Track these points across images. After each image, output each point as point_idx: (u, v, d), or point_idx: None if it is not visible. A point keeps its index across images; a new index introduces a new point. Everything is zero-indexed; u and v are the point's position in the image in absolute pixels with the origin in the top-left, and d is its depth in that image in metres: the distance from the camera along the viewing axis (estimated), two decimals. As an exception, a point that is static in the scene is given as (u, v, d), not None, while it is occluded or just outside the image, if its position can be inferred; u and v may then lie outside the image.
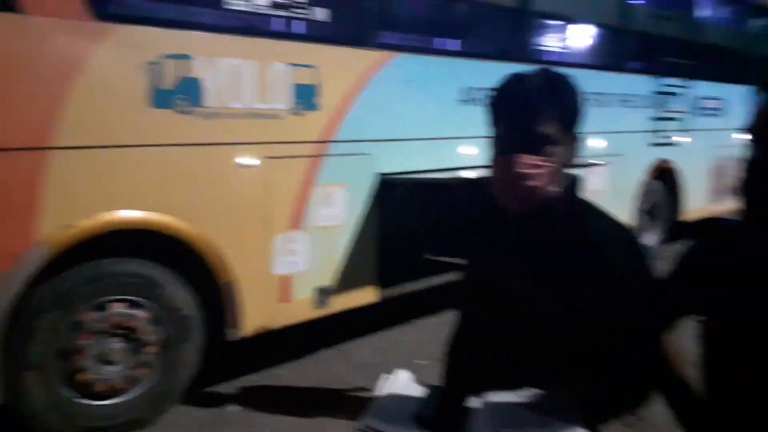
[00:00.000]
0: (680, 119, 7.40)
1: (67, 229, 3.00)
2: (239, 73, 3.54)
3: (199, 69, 3.39)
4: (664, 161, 7.33)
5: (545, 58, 6.45)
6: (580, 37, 6.86)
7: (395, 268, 4.69)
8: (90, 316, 3.18)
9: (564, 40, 6.94)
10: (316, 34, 4.12)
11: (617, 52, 6.69)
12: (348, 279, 4.31)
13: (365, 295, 4.49)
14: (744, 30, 8.82)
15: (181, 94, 3.32)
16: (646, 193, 7.20)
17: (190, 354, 3.58)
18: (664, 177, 7.45)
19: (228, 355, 4.24)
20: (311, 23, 3.99)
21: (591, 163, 5.86)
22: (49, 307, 3.04)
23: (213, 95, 3.45)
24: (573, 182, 1.35)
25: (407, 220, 4.77)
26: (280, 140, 3.79)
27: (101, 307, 3.22)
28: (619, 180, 6.65)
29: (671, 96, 7.22)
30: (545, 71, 1.33)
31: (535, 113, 1.25)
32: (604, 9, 6.57)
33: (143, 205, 3.27)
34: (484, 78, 4.90)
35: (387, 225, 4.53)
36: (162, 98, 3.27)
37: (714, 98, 7.97)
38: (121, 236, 3.24)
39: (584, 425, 1.16)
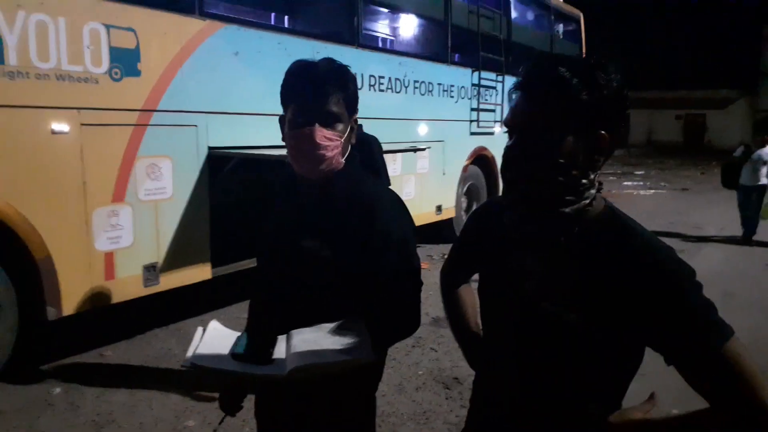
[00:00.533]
0: (495, 111, 8.11)
1: None
2: (45, 30, 3.30)
3: (-4, 22, 3.11)
4: (482, 148, 8.00)
5: (375, 44, 6.75)
6: (408, 27, 7.26)
7: (229, 245, 4.64)
8: None
9: (393, 29, 7.30)
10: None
11: (441, 44, 7.14)
12: (178, 256, 4.20)
13: (198, 273, 4.40)
14: (549, 33, 9.88)
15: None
16: (467, 176, 7.83)
17: (3, 335, 3.30)
18: (482, 163, 8.14)
19: (53, 336, 4.01)
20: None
21: (415, 148, 6.28)
22: None
23: (16, 52, 3.18)
24: (352, 156, 1.58)
25: (240, 195, 4.74)
26: (96, 106, 3.58)
27: None
28: (443, 163, 7.18)
29: (488, 89, 7.89)
30: (331, 60, 1.53)
31: (326, 95, 1.44)
32: (431, 2, 7.00)
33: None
34: (315, 58, 5.02)
35: (219, 200, 4.48)
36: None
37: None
38: None
39: (372, 350, 1.36)
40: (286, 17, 5.68)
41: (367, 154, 3.77)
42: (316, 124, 1.42)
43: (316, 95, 1.44)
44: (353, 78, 1.53)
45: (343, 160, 1.50)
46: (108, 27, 3.58)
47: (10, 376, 3.54)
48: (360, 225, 1.43)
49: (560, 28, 10.64)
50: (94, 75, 3.53)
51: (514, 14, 8.75)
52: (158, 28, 3.90)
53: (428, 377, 3.92)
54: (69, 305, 3.56)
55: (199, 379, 3.45)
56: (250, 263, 4.86)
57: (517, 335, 1.24)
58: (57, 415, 3.29)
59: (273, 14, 5.55)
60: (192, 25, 4.11)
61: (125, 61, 3.69)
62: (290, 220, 1.54)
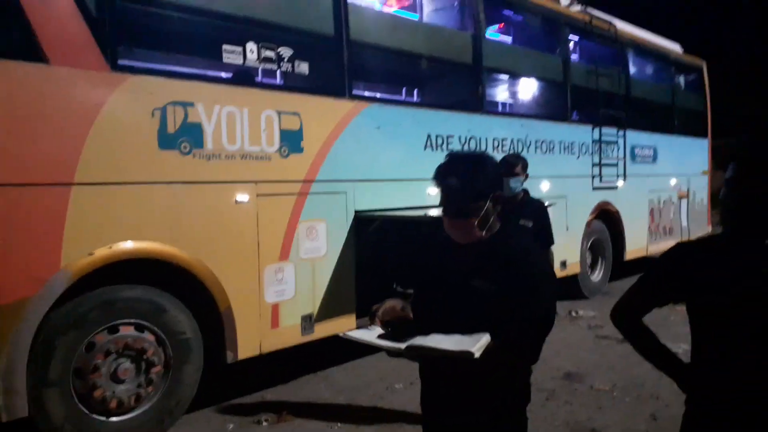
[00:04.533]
0: (617, 165, 8.13)
1: (87, 256, 3.34)
2: (233, 119, 4.01)
3: (199, 114, 3.83)
4: (606, 203, 8.05)
5: (497, 109, 7.14)
6: (528, 90, 7.61)
7: (371, 298, 5.06)
8: (103, 338, 3.48)
9: (514, 93, 7.67)
10: (300, 85, 4.65)
11: (560, 104, 7.42)
12: (329, 307, 4.70)
13: (345, 323, 4.86)
14: (670, 85, 9.87)
15: (184, 137, 3.76)
16: (591, 231, 7.90)
17: (191, 375, 3.88)
18: (606, 217, 8.19)
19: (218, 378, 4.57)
20: (295, 76, 4.50)
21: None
22: (67, 328, 3.34)
23: (211, 138, 3.89)
24: (504, 219, 1.99)
25: (380, 253, 5.20)
26: (269, 179, 4.23)
27: (113, 330, 3.53)
28: (566, 219, 7.33)
29: (609, 144, 7.97)
30: (467, 160, 1.94)
31: (463, 195, 1.86)
32: (549, 66, 7.36)
33: (152, 237, 3.64)
34: (444, 126, 5.53)
35: (363, 257, 4.97)
36: (167, 140, 3.70)
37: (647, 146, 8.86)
38: (130, 264, 3.58)
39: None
40: (417, 91, 6.25)
41: (539, 217, 4.20)
42: (457, 219, 1.88)
43: (454, 196, 1.87)
44: (492, 165, 1.93)
45: (483, 232, 1.90)
46: (279, 113, 4.26)
47: (192, 411, 4.10)
48: (513, 269, 1.84)
49: (682, 79, 10.57)
50: (268, 153, 4.20)
51: (632, 69, 8.85)
52: (317, 110, 4.55)
53: (565, 429, 4.05)
54: (243, 350, 4.12)
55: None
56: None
57: None
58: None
59: (406, 89, 6.13)
60: (343, 106, 4.74)
61: (291, 140, 4.34)
62: (458, 265, 1.95)
